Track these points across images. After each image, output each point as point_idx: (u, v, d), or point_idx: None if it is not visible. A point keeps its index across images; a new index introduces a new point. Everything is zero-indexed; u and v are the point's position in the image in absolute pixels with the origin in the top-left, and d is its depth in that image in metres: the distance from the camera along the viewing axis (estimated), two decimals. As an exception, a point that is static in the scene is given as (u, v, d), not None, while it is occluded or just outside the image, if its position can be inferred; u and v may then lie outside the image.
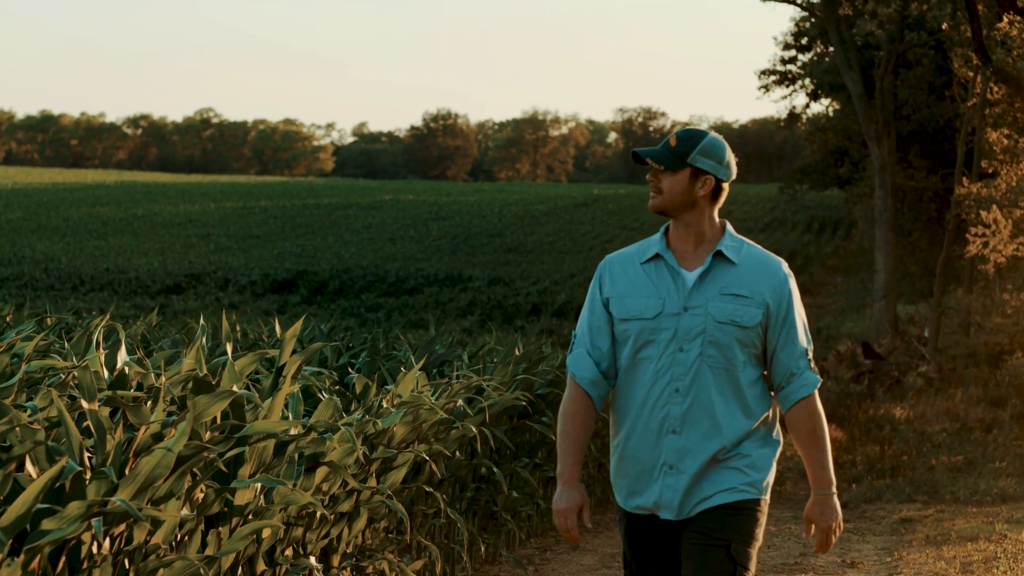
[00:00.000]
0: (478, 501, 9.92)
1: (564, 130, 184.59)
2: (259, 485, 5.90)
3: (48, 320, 9.41)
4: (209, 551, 5.65)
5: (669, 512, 5.09)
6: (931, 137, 49.34)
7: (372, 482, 7.28)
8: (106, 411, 5.33)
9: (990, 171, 33.51)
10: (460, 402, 8.58)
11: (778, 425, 5.28)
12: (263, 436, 5.75)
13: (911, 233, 51.96)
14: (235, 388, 5.48)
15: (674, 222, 5.18)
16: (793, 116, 57.25)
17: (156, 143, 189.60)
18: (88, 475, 4.83)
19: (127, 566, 5.06)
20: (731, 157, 5.20)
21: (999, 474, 17.55)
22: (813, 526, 5.24)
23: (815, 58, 55.21)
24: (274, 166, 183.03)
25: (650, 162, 5.11)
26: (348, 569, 7.23)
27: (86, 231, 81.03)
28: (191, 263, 65.56)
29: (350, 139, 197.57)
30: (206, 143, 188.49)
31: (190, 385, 6.22)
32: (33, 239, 76.44)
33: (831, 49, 47.02)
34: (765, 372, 5.21)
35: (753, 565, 5.11)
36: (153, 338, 10.37)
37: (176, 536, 5.36)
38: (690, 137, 5.15)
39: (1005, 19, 22.22)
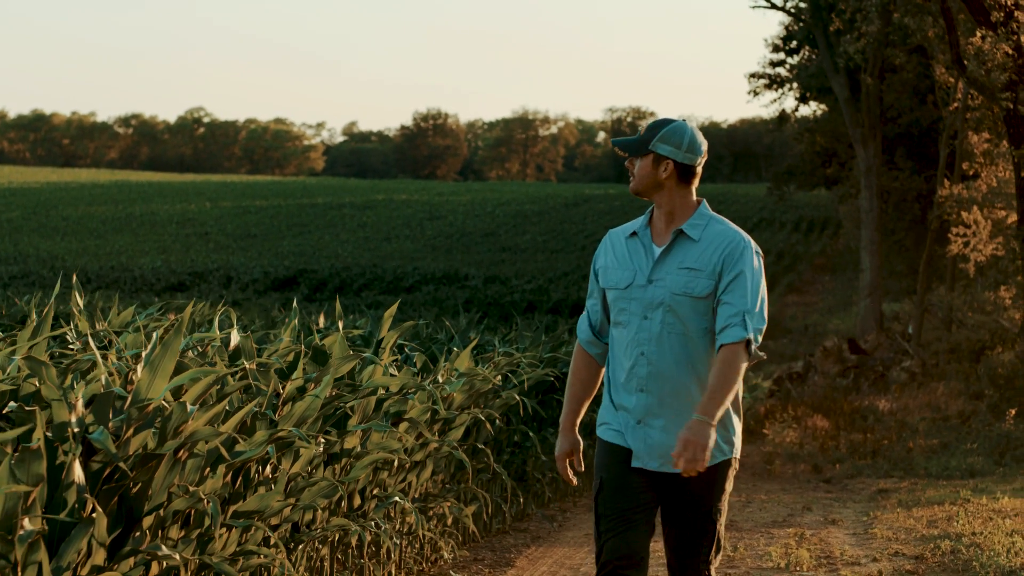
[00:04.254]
0: (512, 463, 11.52)
1: (554, 130, 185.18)
2: (360, 433, 7.43)
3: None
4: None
5: (639, 462, 5.59)
6: (916, 140, 50.02)
7: (436, 438, 8.84)
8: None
9: (971, 173, 34.63)
10: (499, 377, 10.14)
11: (740, 398, 5.70)
12: (369, 392, 7.29)
13: (896, 233, 52.72)
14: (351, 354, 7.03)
15: (653, 203, 5.73)
16: (783, 118, 58.18)
17: (147, 142, 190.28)
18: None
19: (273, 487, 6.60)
20: (695, 142, 5.64)
21: (970, 454, 19.11)
22: (680, 441, 5.38)
23: (803, 61, 55.98)
24: (265, 165, 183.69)
25: (618, 151, 5.72)
26: (417, 510, 8.77)
27: (86, 230, 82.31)
28: (193, 261, 66.97)
29: (340, 138, 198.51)
30: (197, 142, 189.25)
31: (290, 357, 7.74)
32: (34, 238, 77.74)
33: (818, 52, 47.97)
34: None
35: (725, 515, 5.66)
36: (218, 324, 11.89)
37: (308, 469, 6.87)
38: (655, 126, 5.66)
39: (978, 34, 23.42)
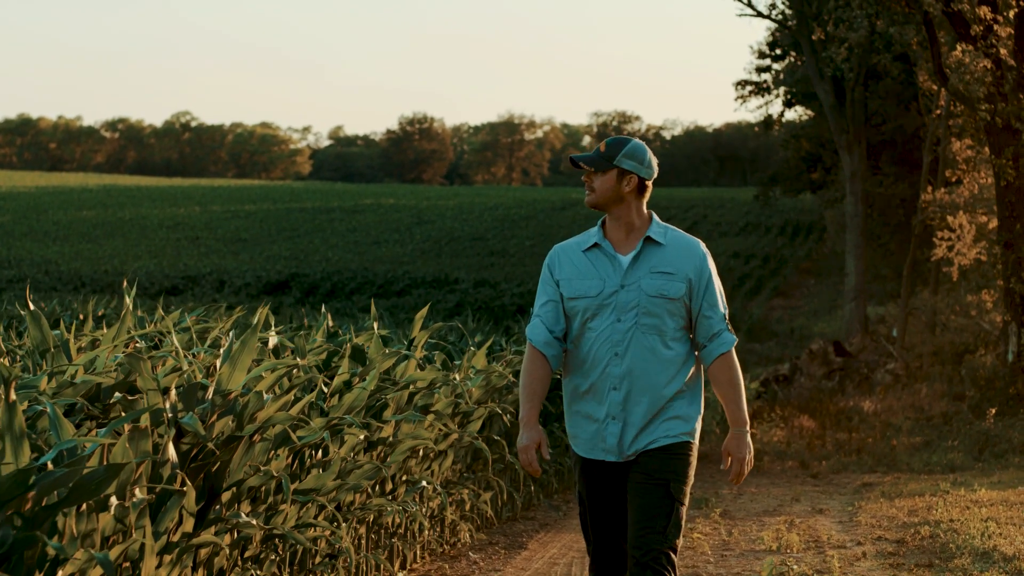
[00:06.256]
0: (521, 455, 12.34)
1: (539, 134, 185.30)
2: (393, 422, 8.21)
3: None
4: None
5: (612, 455, 6.01)
6: (900, 146, 50.57)
7: (457, 429, 9.63)
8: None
9: (954, 179, 35.32)
10: (511, 373, 10.94)
11: (702, 390, 6.19)
12: (404, 385, 8.08)
13: (880, 237, 53.26)
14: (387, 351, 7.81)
15: (608, 215, 6.12)
16: (768, 123, 58.76)
17: (134, 146, 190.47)
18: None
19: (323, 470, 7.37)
20: (652, 159, 6.12)
21: (950, 450, 19.93)
22: (730, 457, 6.05)
23: (788, 67, 56.54)
24: (251, 169, 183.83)
25: (583, 166, 6.05)
26: (445, 494, 9.56)
27: (77, 234, 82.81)
28: (185, 266, 67.55)
29: (326, 142, 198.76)
30: (183, 146, 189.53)
31: (323, 355, 8.50)
32: (26, 242, 78.26)
33: (804, 59, 48.53)
34: (690, 337, 6.14)
35: (687, 500, 6.01)
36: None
37: (351, 455, 7.64)
38: (616, 143, 6.06)
39: (959, 48, 24.11)
